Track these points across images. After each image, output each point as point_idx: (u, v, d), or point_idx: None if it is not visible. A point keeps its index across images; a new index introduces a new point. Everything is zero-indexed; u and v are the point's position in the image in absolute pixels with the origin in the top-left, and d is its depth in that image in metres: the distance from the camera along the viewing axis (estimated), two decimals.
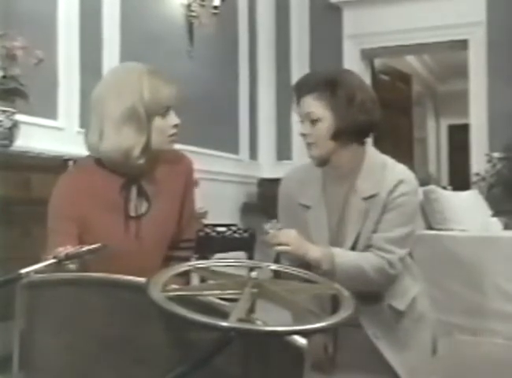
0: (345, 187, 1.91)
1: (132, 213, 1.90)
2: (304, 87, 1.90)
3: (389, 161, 1.94)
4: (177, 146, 1.97)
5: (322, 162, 1.91)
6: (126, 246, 1.87)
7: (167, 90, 1.84)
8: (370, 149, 1.96)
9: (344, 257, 1.81)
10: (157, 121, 1.83)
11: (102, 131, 1.81)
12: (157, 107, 1.82)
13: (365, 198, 1.86)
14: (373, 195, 1.85)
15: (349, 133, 1.87)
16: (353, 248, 1.86)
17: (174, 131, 1.87)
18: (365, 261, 1.82)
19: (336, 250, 1.83)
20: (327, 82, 1.86)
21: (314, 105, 1.86)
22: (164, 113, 1.84)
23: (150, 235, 1.91)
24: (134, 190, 1.90)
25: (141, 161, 1.83)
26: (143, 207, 1.91)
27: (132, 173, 1.89)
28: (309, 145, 1.90)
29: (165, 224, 1.95)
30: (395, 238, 1.84)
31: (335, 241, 1.88)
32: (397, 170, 1.91)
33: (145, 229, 1.91)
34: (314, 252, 1.81)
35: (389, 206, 1.84)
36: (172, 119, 1.86)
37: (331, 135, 1.86)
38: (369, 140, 2.00)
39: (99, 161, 1.88)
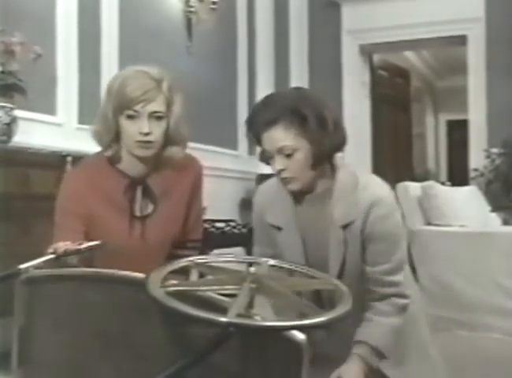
0: (318, 208, 1.77)
1: (137, 213, 1.91)
2: (263, 121, 1.69)
3: (361, 179, 1.77)
4: None
5: (303, 192, 1.77)
6: (130, 246, 1.87)
7: (133, 91, 1.81)
8: (339, 164, 1.79)
9: (374, 339, 1.71)
10: (124, 122, 1.84)
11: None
12: (121, 106, 1.82)
13: (342, 227, 1.72)
14: (349, 223, 1.72)
15: (327, 157, 1.74)
16: (339, 276, 1.72)
17: (142, 138, 1.83)
18: (387, 320, 1.74)
19: (362, 349, 1.71)
20: (291, 108, 1.66)
21: (285, 137, 1.67)
22: (132, 115, 1.82)
23: (155, 236, 1.91)
24: (139, 191, 1.92)
25: (109, 153, 1.90)
26: (149, 208, 1.92)
27: (138, 173, 1.91)
28: (286, 179, 1.72)
29: (170, 226, 1.95)
30: (391, 268, 1.75)
31: (315, 267, 1.71)
32: (369, 190, 1.74)
33: (150, 230, 1.91)
34: (349, 366, 1.70)
35: (371, 236, 1.72)
36: (142, 126, 1.82)
37: (310, 164, 1.70)
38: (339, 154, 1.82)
39: (109, 159, 1.90)
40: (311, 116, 1.66)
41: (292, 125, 1.66)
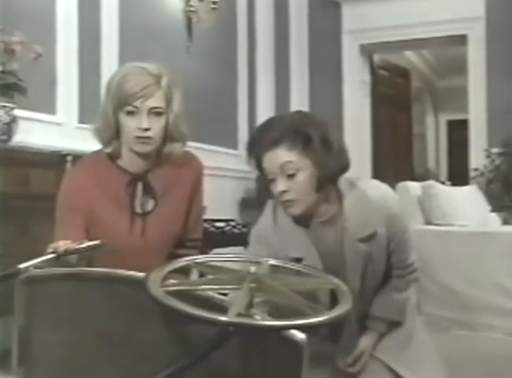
0: (332, 228, 1.73)
1: (138, 210, 1.91)
2: (266, 141, 1.64)
3: (366, 188, 1.75)
4: None
5: (305, 216, 1.71)
6: (131, 243, 1.88)
7: (132, 87, 1.81)
8: (342, 182, 1.74)
9: (391, 315, 1.85)
10: (123, 118, 1.84)
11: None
12: (120, 102, 1.83)
13: (363, 240, 1.71)
14: (372, 235, 1.71)
15: (331, 179, 1.69)
16: (361, 286, 1.74)
17: (141, 134, 1.84)
18: (401, 295, 1.85)
19: (378, 324, 1.84)
20: (294, 129, 1.62)
21: (288, 155, 1.61)
22: (131, 111, 1.83)
23: (156, 233, 1.91)
24: (140, 187, 1.92)
25: (109, 150, 1.91)
26: (149, 205, 1.92)
27: (138, 170, 1.91)
28: (287, 202, 1.65)
29: (171, 223, 1.95)
30: (408, 252, 1.84)
31: None
32: (378, 197, 1.73)
33: (150, 227, 1.91)
34: (369, 340, 1.84)
35: (395, 236, 1.75)
36: (141, 121, 1.83)
37: (314, 186, 1.64)
38: None
39: (110, 156, 1.91)
40: (315, 136, 1.62)
41: (296, 145, 1.62)
